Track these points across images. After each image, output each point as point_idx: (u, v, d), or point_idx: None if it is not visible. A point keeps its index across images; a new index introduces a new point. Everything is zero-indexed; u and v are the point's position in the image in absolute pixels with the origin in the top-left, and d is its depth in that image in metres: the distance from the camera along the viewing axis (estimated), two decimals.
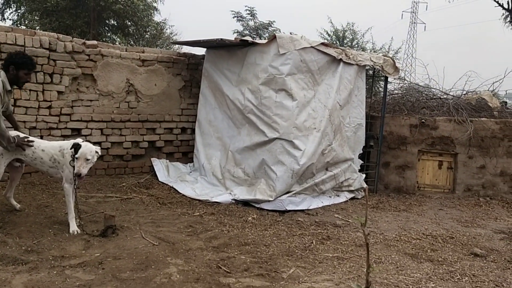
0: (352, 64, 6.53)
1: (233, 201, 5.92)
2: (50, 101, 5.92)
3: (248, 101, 6.15)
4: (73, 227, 4.34)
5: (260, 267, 3.91)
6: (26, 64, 4.16)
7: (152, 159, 6.97)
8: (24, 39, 5.59)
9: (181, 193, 6.22)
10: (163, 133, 7.11)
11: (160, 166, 6.86)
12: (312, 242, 4.72)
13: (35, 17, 14.90)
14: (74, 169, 4.28)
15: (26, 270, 3.43)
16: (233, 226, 5.06)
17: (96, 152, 4.35)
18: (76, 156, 4.20)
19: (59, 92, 6.00)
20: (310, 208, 5.94)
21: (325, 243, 4.75)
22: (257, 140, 6.06)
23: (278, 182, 5.79)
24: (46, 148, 4.42)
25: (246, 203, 5.94)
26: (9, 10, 14.68)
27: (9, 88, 4.17)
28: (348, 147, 6.64)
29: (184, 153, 7.40)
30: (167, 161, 7.07)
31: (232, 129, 6.53)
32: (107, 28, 16.94)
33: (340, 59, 6.35)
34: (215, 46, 6.68)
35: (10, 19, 14.62)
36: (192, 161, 7.27)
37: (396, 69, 7.22)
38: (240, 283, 3.54)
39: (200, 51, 7.40)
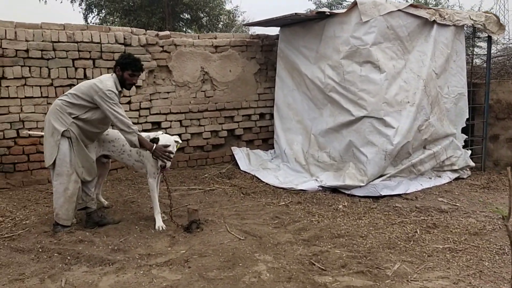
0: (448, 26, 5.68)
1: (320, 188, 5.48)
2: (129, 96, 5.92)
3: (329, 78, 5.61)
4: (159, 223, 4.22)
5: (359, 263, 3.44)
6: (129, 65, 4.00)
7: (232, 148, 6.75)
8: (100, 35, 5.60)
9: (264, 182, 5.92)
10: (242, 121, 6.85)
11: (241, 155, 6.62)
12: (416, 232, 4.12)
13: (116, 19, 15.52)
14: (156, 163, 4.16)
15: (113, 271, 3.33)
16: (323, 216, 4.63)
17: (176, 141, 4.19)
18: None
19: (137, 87, 5.97)
20: (407, 192, 5.29)
21: (431, 232, 4.13)
22: (342, 121, 5.52)
23: (369, 165, 5.22)
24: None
25: (334, 190, 5.46)
26: (92, 14, 15.47)
27: (119, 89, 4.06)
28: (448, 121, 5.82)
29: (264, 139, 7.08)
30: (248, 149, 6.81)
31: (313, 111, 6.05)
32: (182, 23, 17.19)
33: (434, 21, 5.54)
34: (290, 23, 6.22)
35: (93, 23, 15.40)
36: (273, 148, 6.94)
37: (501, 27, 6.20)
38: (338, 283, 3.12)
39: (273, 31, 6.99)
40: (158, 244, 3.88)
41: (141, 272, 3.33)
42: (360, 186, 5.21)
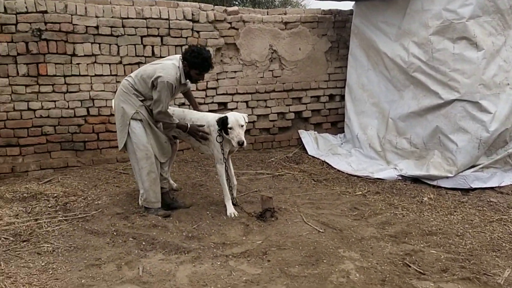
0: None
1: (399, 178, 5.03)
2: None
3: (414, 57, 5.08)
4: (230, 210, 4.00)
5: (462, 267, 3.03)
6: (198, 64, 3.77)
7: (299, 131, 6.40)
8: (168, 11, 5.40)
9: (335, 168, 5.55)
10: (310, 102, 6.47)
11: (309, 139, 6.26)
12: None
13: None
14: (220, 147, 3.94)
15: (189, 260, 3.14)
16: (407, 209, 4.21)
17: (244, 118, 3.91)
18: (229, 126, 3.80)
19: None
20: (502, 185, 4.71)
21: None
22: (427, 104, 5.00)
23: (459, 155, 4.69)
24: (198, 121, 4.11)
25: (415, 180, 5.00)
26: None
27: (183, 81, 3.88)
28: None
29: (333, 123, 6.66)
30: (315, 132, 6.43)
31: (391, 93, 5.55)
32: (238, 1, 16.82)
33: None
34: None
35: None
36: (342, 132, 6.52)
37: None
38: None
39: (347, 6, 6.49)
40: (232, 232, 3.66)
41: (218, 263, 3.12)
42: (447, 177, 4.71)
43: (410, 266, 3.05)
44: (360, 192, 4.71)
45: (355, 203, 4.37)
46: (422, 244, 3.44)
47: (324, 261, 3.13)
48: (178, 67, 3.79)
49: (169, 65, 3.78)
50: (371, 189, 4.83)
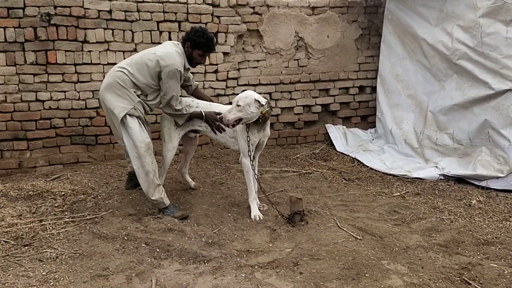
0: None
1: (441, 177, 4.52)
2: (216, 64, 5.28)
3: (459, 42, 4.55)
4: (255, 212, 3.58)
5: None
6: (202, 44, 3.51)
7: (326, 125, 5.93)
8: None
9: (367, 166, 5.07)
10: (338, 94, 5.98)
11: (337, 134, 5.78)
12: None
13: None
14: (247, 137, 3.51)
15: (210, 270, 2.72)
16: (455, 213, 3.72)
17: (257, 101, 3.35)
18: None
19: (225, 54, 5.32)
20: None
21: None
22: (474, 95, 4.46)
23: None
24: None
25: (459, 180, 4.48)
26: None
27: (187, 66, 3.62)
28: None
29: (363, 116, 6.16)
30: (344, 127, 5.95)
31: (430, 83, 5.03)
32: None
33: None
34: None
35: None
36: (373, 126, 6.03)
37: None
38: None
39: None
40: (257, 238, 3.24)
41: (243, 275, 2.70)
42: (498, 177, 4.18)
43: (470, 284, 2.57)
44: (398, 193, 4.23)
45: (393, 206, 3.89)
46: (479, 255, 2.95)
47: (366, 275, 2.67)
48: (180, 52, 3.55)
49: (172, 53, 3.51)
50: (410, 189, 4.34)
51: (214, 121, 3.62)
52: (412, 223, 3.53)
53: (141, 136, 3.46)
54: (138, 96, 3.51)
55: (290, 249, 3.04)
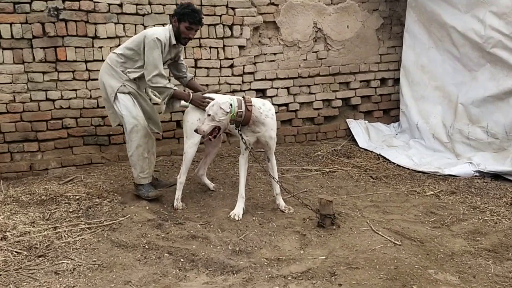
0: None
1: (476, 174, 4.25)
2: (232, 58, 5.03)
3: (493, 29, 4.27)
4: (236, 210, 3.40)
5: None
6: (186, 15, 3.48)
7: (348, 120, 5.67)
8: None
9: (393, 163, 4.81)
10: (359, 87, 5.71)
11: (359, 129, 5.52)
12: None
13: None
14: (240, 136, 3.36)
15: (240, 282, 2.50)
16: (497, 214, 3.46)
17: (221, 108, 3.15)
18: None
19: (240, 47, 5.06)
20: None
21: None
22: (510, 86, 4.20)
23: None
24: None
25: (495, 176, 4.21)
26: None
27: (173, 41, 3.56)
28: None
29: (385, 110, 5.89)
30: (366, 121, 5.68)
31: (460, 74, 4.75)
32: None
33: None
34: None
35: None
36: (396, 120, 5.76)
37: None
38: None
39: None
40: (286, 244, 3.01)
41: (276, 287, 2.46)
42: None
43: None
44: (432, 192, 3.97)
45: (429, 206, 3.64)
46: None
47: (414, 286, 2.43)
48: (167, 29, 3.58)
49: (156, 28, 3.68)
50: (443, 187, 4.08)
51: (201, 102, 3.50)
52: (452, 226, 3.28)
53: (132, 113, 3.53)
54: (128, 73, 3.56)
55: (324, 257, 2.80)
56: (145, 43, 3.44)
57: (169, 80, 3.68)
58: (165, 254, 2.79)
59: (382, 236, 3.05)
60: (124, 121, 3.56)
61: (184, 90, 3.85)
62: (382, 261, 2.70)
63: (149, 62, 3.45)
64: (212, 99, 3.36)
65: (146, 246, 2.89)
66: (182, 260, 2.73)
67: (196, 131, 3.23)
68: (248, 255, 2.84)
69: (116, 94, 3.53)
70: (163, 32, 3.51)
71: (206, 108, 3.22)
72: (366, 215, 3.45)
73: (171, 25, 3.57)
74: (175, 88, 3.58)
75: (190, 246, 2.88)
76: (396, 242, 2.96)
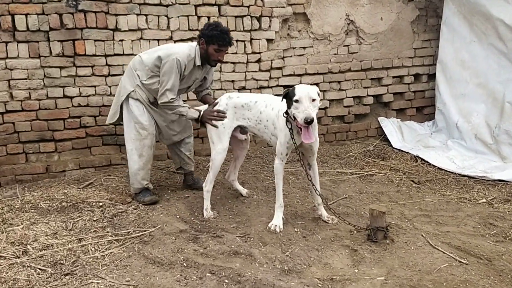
0: None
1: None
2: (259, 52, 4.70)
3: None
4: (275, 221, 3.08)
5: None
6: (215, 38, 3.26)
7: (379, 118, 5.34)
8: None
9: (433, 165, 4.48)
10: (391, 84, 5.37)
11: (392, 128, 5.19)
12: None
13: None
14: (290, 135, 2.94)
15: None
16: None
17: (318, 93, 2.87)
18: (295, 98, 2.77)
19: (269, 41, 4.73)
20: None
21: None
22: None
23: None
24: (269, 105, 3.20)
25: None
26: None
27: (198, 63, 3.38)
28: None
29: (418, 108, 5.56)
30: (399, 120, 5.36)
31: (506, 70, 4.41)
32: None
33: None
34: None
35: None
36: (430, 119, 5.44)
37: None
38: None
39: None
40: (337, 261, 2.71)
41: None
42: None
43: None
44: (484, 200, 3.66)
45: (485, 216, 3.33)
46: None
47: None
48: (192, 48, 3.39)
49: (179, 46, 3.45)
50: (495, 194, 3.77)
51: (211, 117, 3.28)
52: None
53: (140, 120, 3.43)
54: (139, 77, 3.43)
55: (383, 277, 2.50)
56: (164, 61, 3.32)
57: (179, 97, 3.47)
58: (207, 274, 2.49)
59: (444, 253, 2.75)
60: (131, 127, 3.47)
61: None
62: (453, 285, 2.40)
63: (164, 86, 3.31)
64: (224, 113, 3.27)
65: (185, 264, 2.59)
66: (226, 281, 2.43)
67: (306, 120, 2.72)
68: (298, 274, 2.54)
69: (128, 97, 3.45)
70: (187, 51, 3.34)
71: (304, 93, 2.77)
72: (418, 227, 3.15)
73: (198, 46, 3.37)
74: (185, 107, 3.38)
75: (233, 264, 2.58)
76: (462, 260, 2.66)
